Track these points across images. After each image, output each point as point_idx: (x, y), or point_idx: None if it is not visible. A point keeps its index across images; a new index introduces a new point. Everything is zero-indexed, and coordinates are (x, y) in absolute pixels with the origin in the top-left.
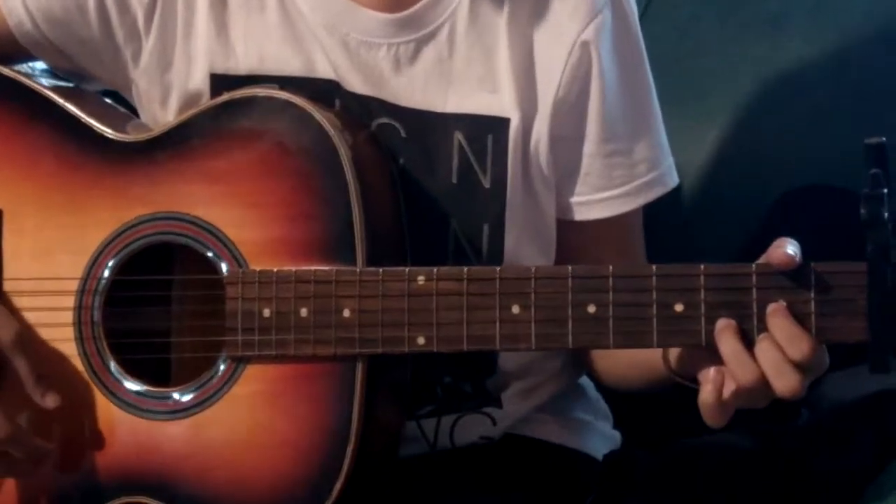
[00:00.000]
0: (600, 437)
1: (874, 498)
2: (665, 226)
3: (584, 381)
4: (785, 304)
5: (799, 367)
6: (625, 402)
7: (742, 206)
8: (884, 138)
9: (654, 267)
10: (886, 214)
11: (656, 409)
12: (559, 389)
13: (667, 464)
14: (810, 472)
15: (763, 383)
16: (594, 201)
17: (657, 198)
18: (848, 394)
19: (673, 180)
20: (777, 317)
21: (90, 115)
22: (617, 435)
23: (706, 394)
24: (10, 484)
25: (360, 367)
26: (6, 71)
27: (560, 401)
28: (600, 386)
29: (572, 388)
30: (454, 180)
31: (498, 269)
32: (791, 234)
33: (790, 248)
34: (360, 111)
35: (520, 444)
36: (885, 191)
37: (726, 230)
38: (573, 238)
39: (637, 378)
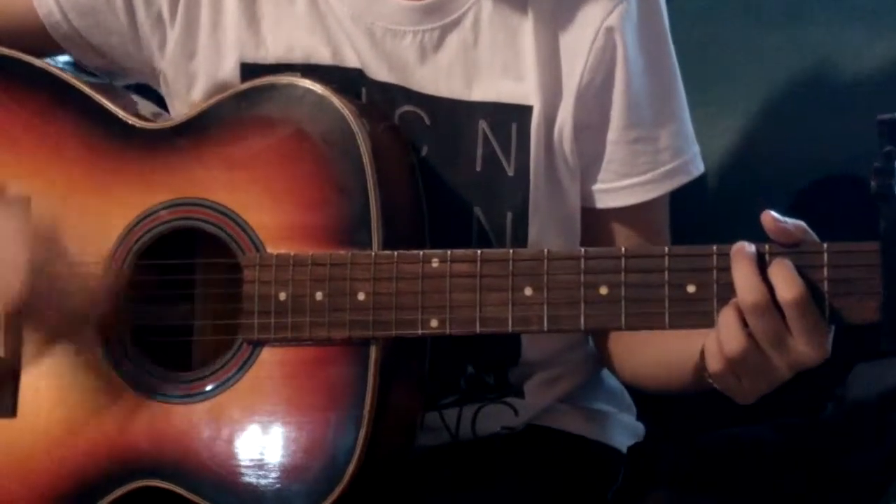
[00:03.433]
0: (623, 428)
1: None
2: (685, 214)
3: (607, 372)
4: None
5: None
6: (649, 394)
7: (762, 195)
8: None
9: (666, 248)
10: None
11: (680, 402)
12: (582, 380)
13: (691, 456)
14: (834, 465)
15: (749, 350)
16: (618, 188)
17: (681, 186)
18: (873, 387)
19: (698, 168)
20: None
21: (116, 104)
22: (640, 427)
23: (709, 366)
24: (26, 468)
25: (374, 351)
26: (36, 61)
27: (583, 392)
28: None
29: (595, 380)
30: (478, 168)
31: (511, 251)
32: (812, 223)
33: (776, 214)
34: (384, 99)
35: (542, 435)
36: None
37: (747, 220)
38: (598, 226)
39: (665, 378)
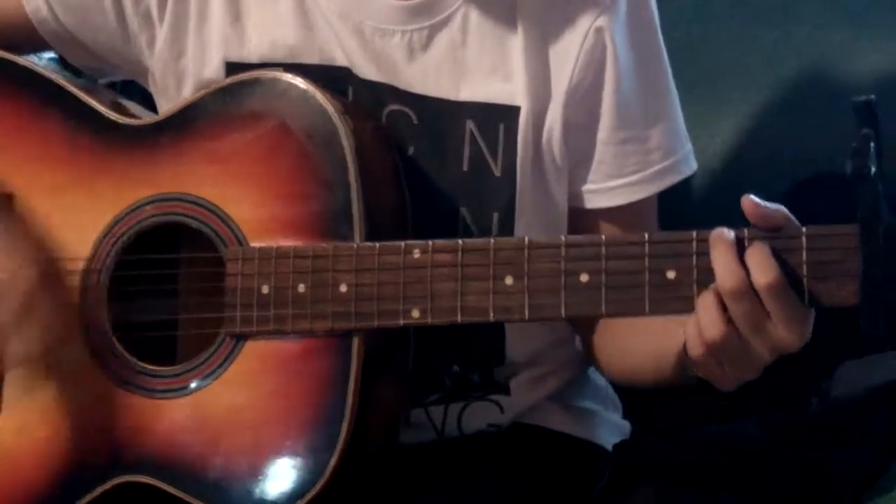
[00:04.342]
0: (609, 426)
1: (882, 490)
2: (675, 213)
3: (593, 370)
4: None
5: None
6: (634, 391)
7: (752, 194)
8: (873, 96)
9: (646, 234)
10: (874, 170)
11: (666, 399)
12: (568, 379)
13: (676, 453)
14: (819, 462)
15: (729, 335)
16: (607, 189)
17: (671, 185)
18: (859, 385)
19: (689, 167)
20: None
21: (99, 102)
22: (626, 425)
23: (690, 352)
24: (9, 466)
25: (356, 343)
26: (20, 59)
27: (568, 390)
28: None
29: (581, 378)
30: (465, 168)
31: (492, 240)
32: (801, 222)
33: (757, 198)
34: (372, 98)
35: (528, 433)
36: (873, 145)
37: (737, 218)
38: (586, 225)
39: (651, 371)
